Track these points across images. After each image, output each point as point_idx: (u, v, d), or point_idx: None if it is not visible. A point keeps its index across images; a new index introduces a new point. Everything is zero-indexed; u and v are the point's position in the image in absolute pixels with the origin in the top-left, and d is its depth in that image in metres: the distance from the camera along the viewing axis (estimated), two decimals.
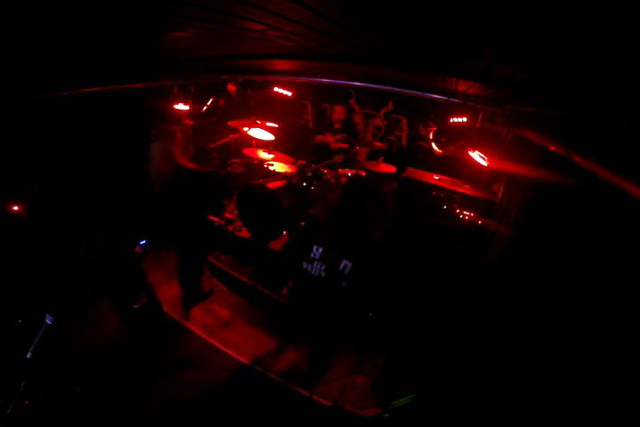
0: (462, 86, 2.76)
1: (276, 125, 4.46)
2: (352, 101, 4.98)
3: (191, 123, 4.35)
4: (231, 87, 4.52)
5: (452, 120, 3.15)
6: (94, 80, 3.06)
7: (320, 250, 2.25)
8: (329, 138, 4.45)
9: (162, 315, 3.42)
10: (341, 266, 2.18)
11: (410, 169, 3.54)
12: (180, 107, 4.19)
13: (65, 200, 3.40)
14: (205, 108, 4.52)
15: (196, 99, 4.32)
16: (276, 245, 4.00)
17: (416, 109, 4.54)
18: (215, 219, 4.43)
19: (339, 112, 4.50)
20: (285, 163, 4.34)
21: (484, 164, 2.88)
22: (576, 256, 1.76)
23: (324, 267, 2.26)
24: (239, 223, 4.25)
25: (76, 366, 2.79)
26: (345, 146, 4.25)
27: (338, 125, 4.53)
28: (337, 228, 2.19)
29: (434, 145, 3.33)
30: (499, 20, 1.05)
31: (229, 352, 3.20)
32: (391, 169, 4.01)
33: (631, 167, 1.14)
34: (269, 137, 4.35)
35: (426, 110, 4.26)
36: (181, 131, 3.32)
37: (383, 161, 4.10)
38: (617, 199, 1.21)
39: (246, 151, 4.40)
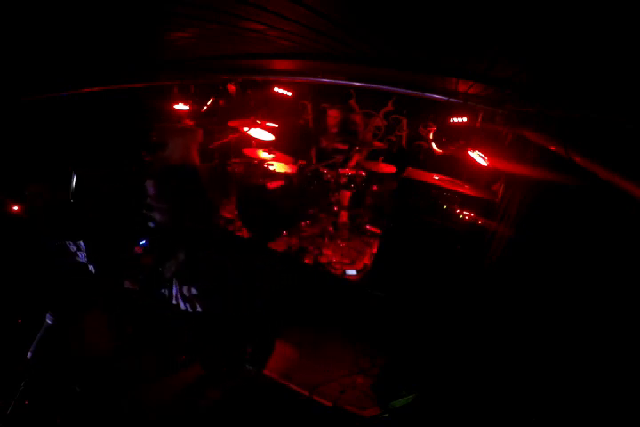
0: (462, 86, 2.76)
1: (276, 125, 4.45)
2: (352, 101, 4.97)
3: (191, 123, 4.34)
4: (231, 87, 4.52)
5: (452, 120, 3.14)
6: (94, 80, 3.06)
7: None
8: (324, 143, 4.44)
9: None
10: None
11: (410, 169, 3.53)
12: (180, 107, 4.19)
13: (65, 200, 3.40)
14: (205, 108, 4.52)
15: (196, 99, 4.31)
16: (276, 245, 4.00)
17: (416, 109, 4.53)
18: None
19: (334, 117, 4.45)
20: (285, 163, 4.34)
21: (484, 164, 2.88)
22: (576, 256, 1.76)
23: None
24: (239, 223, 4.25)
25: (76, 366, 2.78)
26: (344, 147, 4.23)
27: (334, 130, 4.49)
28: None
29: (434, 145, 3.32)
30: (500, 21, 1.05)
31: None
32: (391, 169, 4.01)
33: (631, 167, 1.14)
34: (269, 137, 4.35)
35: (426, 110, 4.26)
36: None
37: (383, 161, 4.10)
38: (617, 199, 1.21)
39: (246, 151, 4.40)
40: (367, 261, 3.92)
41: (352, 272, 3.69)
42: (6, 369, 2.13)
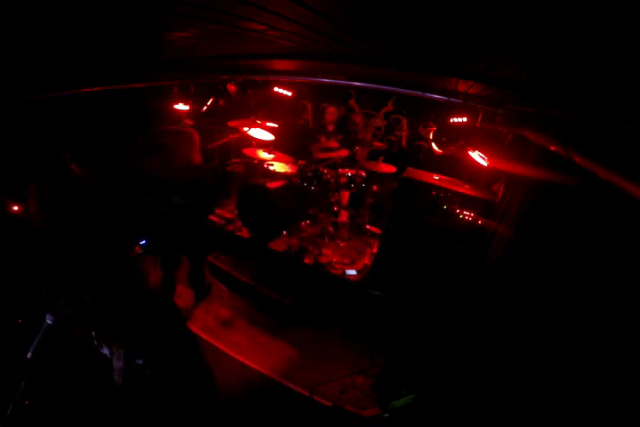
0: (462, 86, 2.77)
1: (276, 125, 4.46)
2: (352, 101, 4.98)
3: (191, 123, 4.34)
4: (231, 87, 4.52)
5: (452, 120, 3.15)
6: (94, 80, 3.06)
7: None
8: (324, 143, 4.44)
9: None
10: None
11: (410, 169, 3.54)
12: (180, 107, 4.19)
13: (64, 200, 3.40)
14: (205, 108, 4.52)
15: (196, 99, 4.32)
16: (276, 245, 4.00)
17: (416, 109, 4.54)
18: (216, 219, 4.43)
19: (331, 113, 4.45)
20: (285, 163, 4.35)
21: (484, 164, 2.88)
22: (576, 256, 1.76)
23: None
24: (239, 223, 4.25)
25: (76, 366, 2.78)
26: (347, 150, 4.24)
27: (331, 127, 4.49)
28: None
29: (434, 145, 3.32)
30: (500, 21, 1.05)
31: (229, 352, 3.20)
32: (391, 169, 4.01)
33: (631, 167, 1.14)
34: (269, 137, 4.35)
35: (426, 110, 4.26)
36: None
37: (383, 161, 4.10)
38: (617, 199, 1.21)
39: (246, 151, 4.40)
40: (367, 261, 3.93)
41: (352, 272, 3.69)
42: (6, 369, 2.13)
